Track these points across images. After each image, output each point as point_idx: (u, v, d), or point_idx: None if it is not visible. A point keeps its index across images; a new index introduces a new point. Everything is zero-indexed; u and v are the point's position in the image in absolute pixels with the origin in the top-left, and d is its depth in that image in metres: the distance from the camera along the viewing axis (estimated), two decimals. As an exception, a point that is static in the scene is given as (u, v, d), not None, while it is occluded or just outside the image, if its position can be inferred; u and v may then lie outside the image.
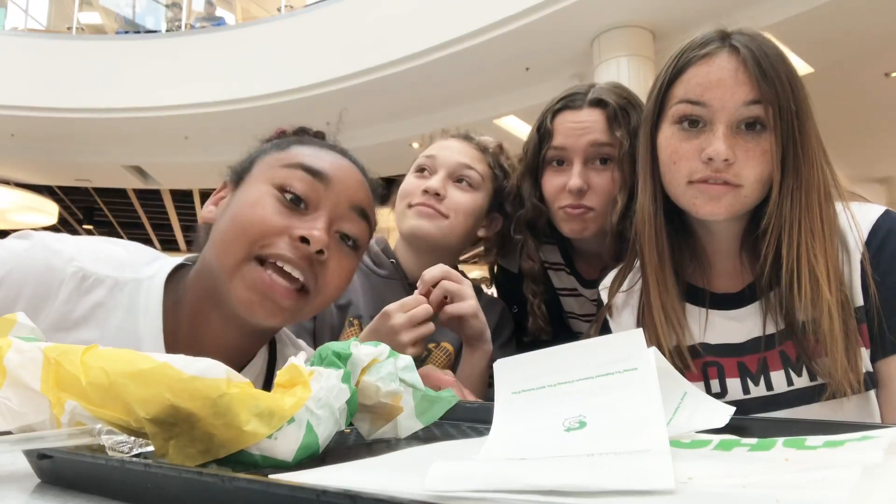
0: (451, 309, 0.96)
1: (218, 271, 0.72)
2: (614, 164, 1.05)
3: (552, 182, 1.09)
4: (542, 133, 1.11)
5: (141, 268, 0.76)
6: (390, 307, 0.93)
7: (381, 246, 1.20)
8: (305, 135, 0.87)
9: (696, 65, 0.82)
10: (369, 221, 0.80)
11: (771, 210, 0.81)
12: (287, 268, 0.71)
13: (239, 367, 0.80)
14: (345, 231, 0.76)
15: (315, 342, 1.10)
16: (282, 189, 0.73)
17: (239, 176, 0.78)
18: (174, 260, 0.80)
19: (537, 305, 1.17)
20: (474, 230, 1.17)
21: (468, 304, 0.97)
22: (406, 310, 0.93)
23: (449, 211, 1.11)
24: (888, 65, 5.10)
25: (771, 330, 0.84)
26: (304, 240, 0.71)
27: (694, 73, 0.82)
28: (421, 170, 1.14)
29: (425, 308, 0.94)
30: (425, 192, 1.10)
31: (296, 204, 0.73)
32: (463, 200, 1.12)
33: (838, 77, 5.13)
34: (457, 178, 1.12)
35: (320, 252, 0.71)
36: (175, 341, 0.74)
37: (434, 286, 0.96)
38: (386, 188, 0.95)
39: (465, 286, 0.98)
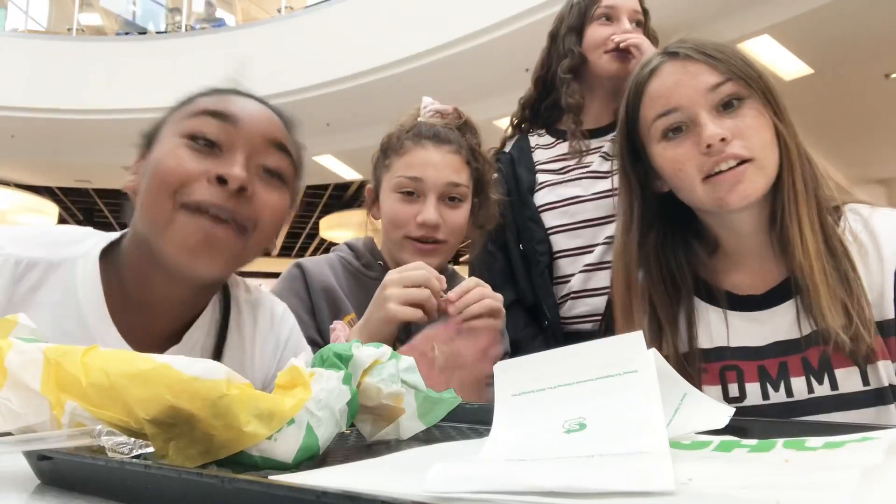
0: (477, 323, 0.94)
1: (150, 230, 0.72)
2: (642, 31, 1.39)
3: (599, 33, 1.37)
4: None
5: (74, 246, 0.76)
6: (392, 271, 0.95)
7: (369, 248, 1.19)
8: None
9: (648, 84, 0.85)
10: (291, 156, 0.79)
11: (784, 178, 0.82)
12: (213, 211, 0.71)
13: (192, 320, 0.80)
14: (267, 165, 0.75)
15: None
16: (192, 136, 0.73)
17: (149, 140, 0.78)
18: (109, 235, 0.80)
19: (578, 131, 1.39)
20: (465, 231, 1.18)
21: (497, 322, 0.96)
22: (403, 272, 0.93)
23: (447, 235, 1.10)
24: (888, 66, 5.09)
25: (795, 335, 0.82)
26: (223, 180, 0.70)
27: (651, 90, 0.85)
28: (408, 193, 1.10)
29: (422, 274, 0.92)
30: (422, 225, 1.08)
31: (209, 147, 0.72)
32: (457, 219, 1.12)
33: (838, 78, 5.13)
34: (447, 197, 1.11)
35: (242, 189, 0.71)
36: (121, 309, 0.75)
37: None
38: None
39: (499, 313, 0.97)
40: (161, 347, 0.76)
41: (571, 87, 1.40)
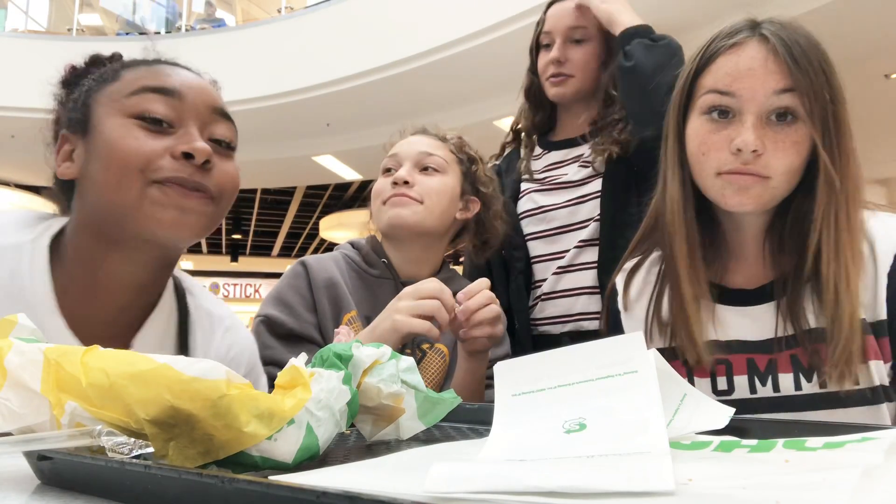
0: (478, 332, 0.95)
1: (116, 211, 0.71)
2: (590, 42, 1.37)
3: (542, 60, 1.41)
4: (539, 23, 1.43)
5: (19, 232, 0.74)
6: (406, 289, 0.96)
7: (372, 245, 1.20)
8: (114, 61, 0.84)
9: (724, 54, 0.81)
10: (232, 120, 0.80)
11: (801, 204, 0.80)
12: (185, 184, 0.73)
13: (148, 308, 0.79)
14: (217, 136, 0.77)
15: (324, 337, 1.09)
16: (140, 116, 0.73)
17: (80, 123, 0.75)
18: (58, 221, 0.78)
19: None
20: (450, 211, 1.18)
21: (497, 329, 0.97)
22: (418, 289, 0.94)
23: (421, 195, 1.14)
24: (888, 66, 5.10)
25: (783, 332, 0.83)
26: (188, 155, 0.72)
27: (723, 62, 0.81)
28: (387, 170, 1.20)
29: (434, 285, 0.94)
30: (395, 183, 1.14)
31: (159, 125, 0.73)
32: (432, 183, 1.16)
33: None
34: (422, 167, 1.17)
35: (206, 162, 0.73)
36: (69, 299, 0.73)
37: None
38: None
39: (500, 317, 0.98)
40: (113, 343, 0.73)
41: (527, 110, 1.48)
